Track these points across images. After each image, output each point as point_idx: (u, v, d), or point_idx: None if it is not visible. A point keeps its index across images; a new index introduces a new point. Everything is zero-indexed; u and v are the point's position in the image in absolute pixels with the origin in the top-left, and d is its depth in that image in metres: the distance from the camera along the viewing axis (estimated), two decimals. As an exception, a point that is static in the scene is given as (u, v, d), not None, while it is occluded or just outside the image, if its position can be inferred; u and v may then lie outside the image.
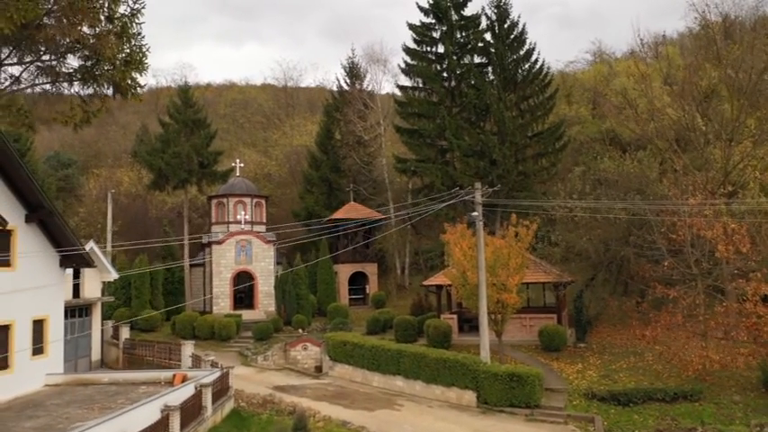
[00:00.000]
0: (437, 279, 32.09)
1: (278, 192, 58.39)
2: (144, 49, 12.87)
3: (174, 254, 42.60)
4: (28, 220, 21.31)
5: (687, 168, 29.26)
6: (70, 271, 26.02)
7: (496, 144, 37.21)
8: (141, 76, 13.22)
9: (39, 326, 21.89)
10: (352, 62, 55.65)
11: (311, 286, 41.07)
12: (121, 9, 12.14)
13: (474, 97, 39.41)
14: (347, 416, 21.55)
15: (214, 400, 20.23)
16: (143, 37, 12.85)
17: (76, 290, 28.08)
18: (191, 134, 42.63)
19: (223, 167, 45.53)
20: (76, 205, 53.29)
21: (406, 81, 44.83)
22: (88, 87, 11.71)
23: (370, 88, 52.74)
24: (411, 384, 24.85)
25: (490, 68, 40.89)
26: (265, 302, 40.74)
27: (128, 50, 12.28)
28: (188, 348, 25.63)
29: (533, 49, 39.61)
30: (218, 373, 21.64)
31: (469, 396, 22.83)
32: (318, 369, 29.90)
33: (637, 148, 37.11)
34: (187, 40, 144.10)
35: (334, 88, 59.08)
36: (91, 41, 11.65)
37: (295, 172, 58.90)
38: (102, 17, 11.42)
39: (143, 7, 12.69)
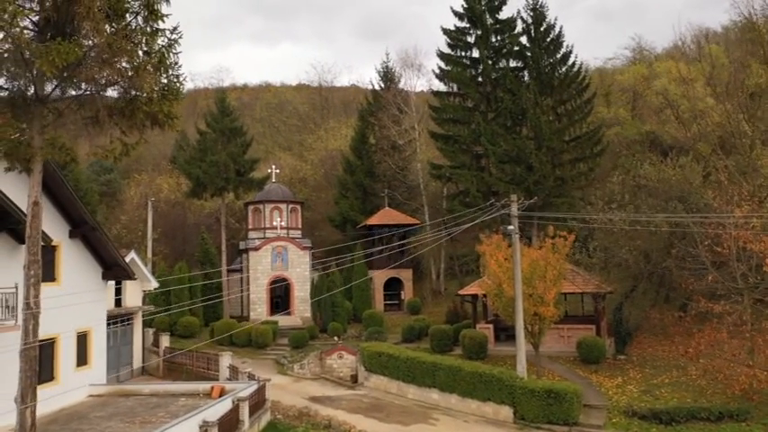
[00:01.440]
0: (472, 289, 31.77)
1: (313, 196, 58.75)
2: (180, 78, 13.04)
3: (213, 260, 43.28)
4: (71, 235, 21.97)
5: (732, 176, 28.23)
6: (112, 282, 26.73)
7: (533, 149, 36.63)
8: (177, 102, 13.43)
9: (83, 338, 22.56)
10: (386, 67, 55.66)
11: (346, 292, 41.22)
12: (159, 41, 12.32)
13: (510, 102, 38.85)
14: (382, 430, 21.55)
15: (251, 413, 20.44)
16: (180, 66, 13.05)
17: (118, 299, 28.85)
18: (227, 142, 43.26)
19: (260, 173, 46.08)
20: (118, 211, 54.69)
21: (440, 86, 44.56)
22: (127, 120, 11.94)
23: (405, 90, 52.51)
24: (446, 398, 24.67)
25: (526, 72, 40.28)
26: (301, 308, 41.12)
27: (165, 81, 12.47)
28: (226, 359, 25.97)
29: (570, 51, 38.86)
30: (255, 386, 21.86)
31: (506, 411, 22.55)
32: (354, 378, 29.96)
33: (678, 152, 35.98)
34: (223, 41, 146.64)
35: (369, 89, 59.24)
36: (129, 74, 11.86)
37: (330, 176, 59.16)
38: (141, 52, 11.64)
39: (180, 37, 12.86)
